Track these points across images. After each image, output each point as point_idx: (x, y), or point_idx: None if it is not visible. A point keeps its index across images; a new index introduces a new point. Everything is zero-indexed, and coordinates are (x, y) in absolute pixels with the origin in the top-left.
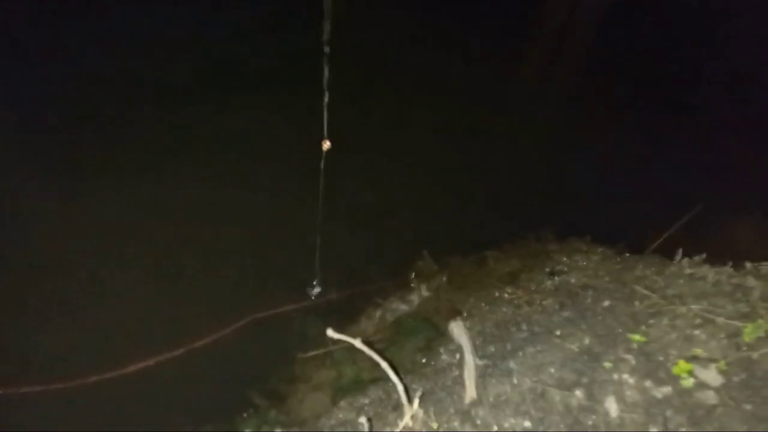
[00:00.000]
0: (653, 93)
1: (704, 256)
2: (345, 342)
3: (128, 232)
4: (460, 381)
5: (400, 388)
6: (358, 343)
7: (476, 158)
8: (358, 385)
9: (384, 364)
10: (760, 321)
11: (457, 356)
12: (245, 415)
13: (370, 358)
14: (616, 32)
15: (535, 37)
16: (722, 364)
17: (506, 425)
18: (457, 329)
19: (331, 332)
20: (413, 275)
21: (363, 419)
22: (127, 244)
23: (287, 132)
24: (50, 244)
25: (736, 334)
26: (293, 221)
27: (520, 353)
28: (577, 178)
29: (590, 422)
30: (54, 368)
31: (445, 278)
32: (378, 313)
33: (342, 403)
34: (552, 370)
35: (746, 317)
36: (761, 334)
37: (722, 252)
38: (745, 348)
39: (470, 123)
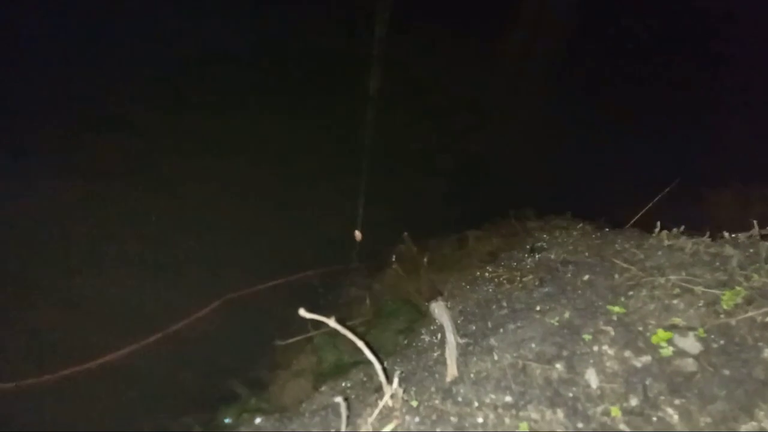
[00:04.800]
0: (630, 71)
1: (682, 228)
2: (324, 326)
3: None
4: (441, 360)
5: (377, 367)
6: (332, 322)
7: (456, 141)
8: (339, 369)
9: (360, 343)
10: (738, 288)
11: (439, 336)
12: (225, 404)
13: (351, 342)
14: (592, 15)
15: (513, 25)
16: (701, 331)
17: (487, 400)
18: (438, 309)
19: (303, 312)
20: (393, 257)
21: (339, 399)
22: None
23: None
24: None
25: (715, 302)
26: (276, 202)
27: (501, 330)
28: (556, 157)
29: (570, 394)
30: (26, 362)
31: (425, 259)
32: (358, 295)
33: (323, 388)
34: (532, 345)
35: (724, 285)
36: (739, 300)
37: (700, 224)
38: (723, 315)
39: (450, 107)
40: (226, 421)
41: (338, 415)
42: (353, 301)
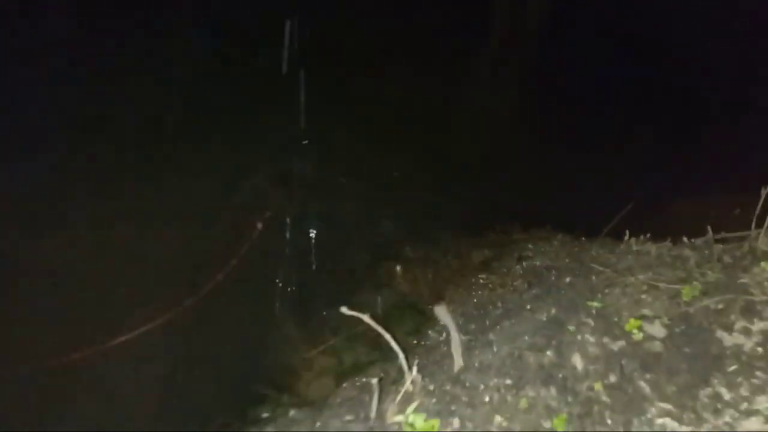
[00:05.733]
0: (606, 89)
1: (648, 235)
2: (342, 331)
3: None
4: (448, 355)
5: (401, 356)
6: (366, 318)
7: (445, 162)
8: (358, 369)
9: (387, 336)
10: (695, 283)
11: (444, 335)
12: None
13: (367, 345)
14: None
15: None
16: (665, 319)
17: (491, 384)
18: (442, 312)
19: (344, 309)
20: (398, 268)
21: (374, 380)
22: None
23: None
24: None
25: (676, 295)
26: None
27: (498, 327)
28: (538, 174)
29: (561, 375)
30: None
31: (427, 269)
32: (369, 301)
33: (345, 384)
34: (526, 338)
35: (684, 281)
36: (696, 293)
37: (663, 231)
38: (683, 305)
39: (441, 127)
40: (264, 415)
41: (364, 404)
42: (365, 308)
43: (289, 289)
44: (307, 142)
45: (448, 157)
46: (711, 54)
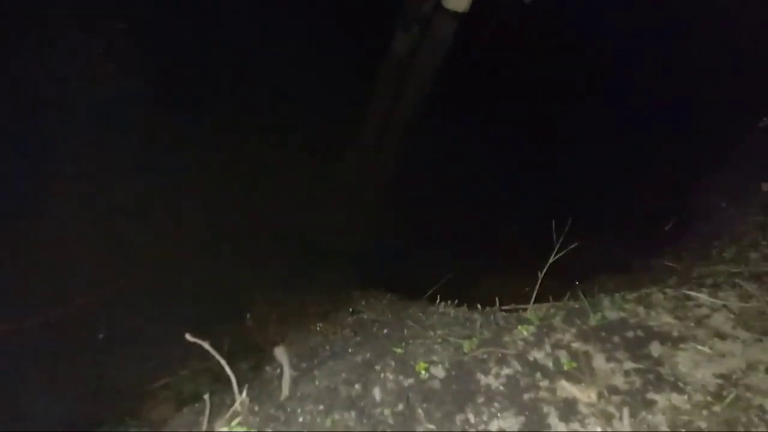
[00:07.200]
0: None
1: (456, 301)
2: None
3: None
4: (279, 387)
5: (233, 380)
6: (206, 345)
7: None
8: (198, 397)
9: (223, 362)
10: (474, 339)
11: (278, 371)
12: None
13: (207, 378)
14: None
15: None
16: (446, 364)
17: (307, 409)
18: (279, 352)
19: (189, 336)
20: (248, 316)
21: (206, 396)
22: None
23: None
24: None
25: (460, 347)
26: None
27: (323, 366)
28: (374, 245)
29: (362, 403)
30: None
31: (274, 316)
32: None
33: (185, 410)
34: (343, 375)
35: (467, 337)
36: (473, 346)
37: (466, 299)
38: (462, 355)
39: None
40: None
41: (198, 422)
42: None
43: None
44: None
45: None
46: None
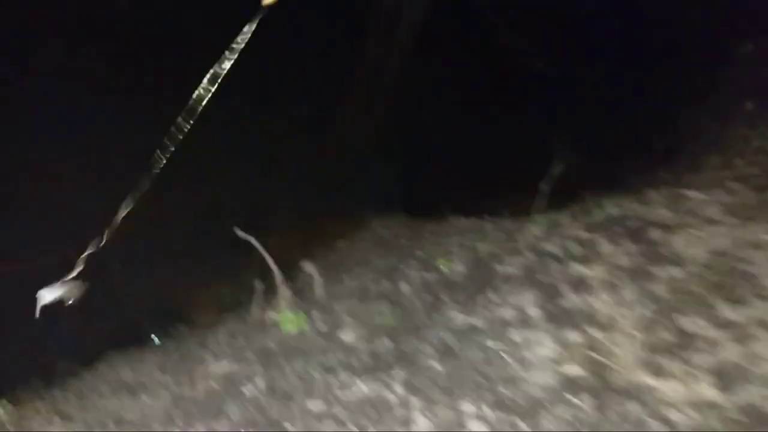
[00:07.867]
0: None
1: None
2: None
3: None
4: (312, 290)
5: (276, 271)
6: (253, 240)
7: None
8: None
9: (268, 258)
10: (488, 240)
11: (307, 281)
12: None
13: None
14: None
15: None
16: (465, 260)
17: (343, 302)
18: (306, 264)
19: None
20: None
21: (256, 282)
22: None
23: None
24: None
25: (475, 248)
26: None
27: (350, 272)
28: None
29: (392, 296)
30: None
31: (297, 239)
32: None
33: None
34: (370, 276)
35: (482, 240)
36: (488, 245)
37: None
38: (478, 253)
39: None
40: None
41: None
42: None
43: None
44: None
45: None
46: None
